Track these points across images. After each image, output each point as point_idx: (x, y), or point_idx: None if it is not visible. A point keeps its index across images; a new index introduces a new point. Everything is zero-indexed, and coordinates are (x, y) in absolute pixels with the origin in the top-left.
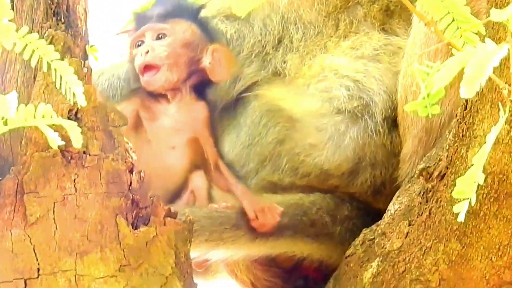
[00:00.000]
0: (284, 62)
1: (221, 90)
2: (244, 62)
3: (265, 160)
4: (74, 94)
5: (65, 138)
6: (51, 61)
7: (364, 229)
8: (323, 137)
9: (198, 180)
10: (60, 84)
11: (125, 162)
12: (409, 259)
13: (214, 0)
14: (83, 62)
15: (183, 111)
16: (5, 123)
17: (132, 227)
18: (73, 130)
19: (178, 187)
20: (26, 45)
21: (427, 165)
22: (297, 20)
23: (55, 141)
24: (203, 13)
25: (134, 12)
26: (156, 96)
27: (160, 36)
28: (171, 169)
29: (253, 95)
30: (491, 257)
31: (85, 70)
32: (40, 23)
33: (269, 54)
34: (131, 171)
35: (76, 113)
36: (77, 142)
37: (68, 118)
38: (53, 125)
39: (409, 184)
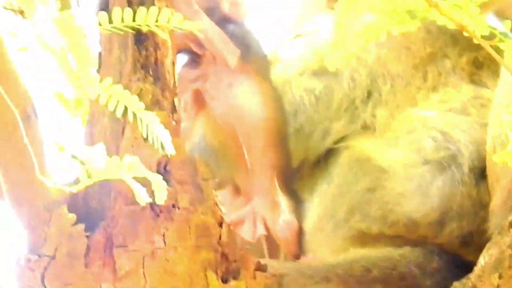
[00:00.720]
0: (374, 116)
1: (311, 145)
2: (333, 117)
3: (355, 208)
4: (162, 143)
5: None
6: (137, 111)
7: (454, 282)
8: (410, 186)
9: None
10: (147, 134)
11: (214, 215)
12: None
13: (299, 56)
14: (171, 115)
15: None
16: (89, 176)
17: (222, 281)
18: (158, 184)
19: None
20: (110, 96)
21: None
22: (385, 73)
23: (142, 197)
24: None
25: None
26: (195, 63)
27: None
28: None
29: (343, 146)
30: None
31: (174, 123)
32: (128, 76)
33: (358, 108)
34: (220, 225)
35: (165, 167)
36: (160, 198)
37: (157, 172)
38: (142, 178)
39: (499, 236)
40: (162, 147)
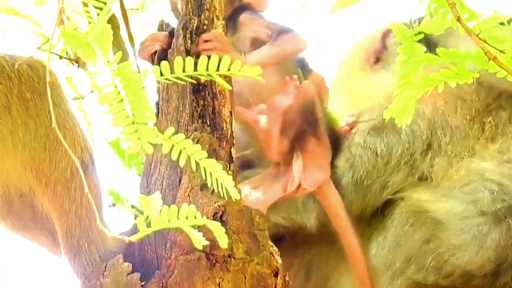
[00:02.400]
0: (432, 166)
1: (369, 196)
2: (392, 171)
3: (411, 258)
4: (226, 189)
5: (210, 240)
6: (199, 159)
7: None
8: (466, 238)
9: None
10: (211, 182)
11: (269, 265)
12: None
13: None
14: (228, 164)
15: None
16: (148, 225)
17: None
18: (217, 230)
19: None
20: (173, 145)
21: None
22: (444, 124)
23: (200, 241)
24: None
25: None
26: None
27: None
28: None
29: (400, 198)
30: None
31: (231, 173)
32: (185, 125)
33: (417, 160)
34: (276, 275)
35: (221, 216)
36: (223, 242)
37: None
38: (198, 227)
39: None
40: (226, 194)
